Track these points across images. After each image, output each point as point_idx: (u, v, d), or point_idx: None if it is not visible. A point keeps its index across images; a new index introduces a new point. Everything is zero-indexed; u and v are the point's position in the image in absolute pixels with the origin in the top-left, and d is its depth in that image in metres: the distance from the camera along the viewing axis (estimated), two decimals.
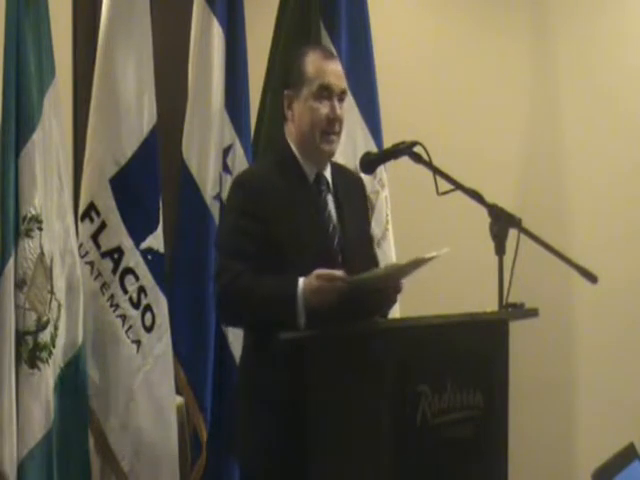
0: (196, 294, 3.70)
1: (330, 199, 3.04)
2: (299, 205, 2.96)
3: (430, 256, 2.78)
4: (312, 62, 3.00)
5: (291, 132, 3.03)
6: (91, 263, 3.44)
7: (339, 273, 2.79)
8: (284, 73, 3.17)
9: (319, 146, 2.98)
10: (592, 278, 2.94)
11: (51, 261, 3.16)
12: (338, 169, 3.15)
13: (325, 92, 2.98)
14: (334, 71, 3.01)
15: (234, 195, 3.02)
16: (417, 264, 2.80)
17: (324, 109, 2.97)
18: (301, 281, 2.79)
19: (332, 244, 2.98)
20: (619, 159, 4.42)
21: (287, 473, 2.83)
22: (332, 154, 3.05)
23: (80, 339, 3.29)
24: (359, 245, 3.08)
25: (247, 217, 2.91)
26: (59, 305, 3.19)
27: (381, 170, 3.89)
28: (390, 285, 2.95)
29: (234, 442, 3.07)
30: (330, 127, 2.98)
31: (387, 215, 4.01)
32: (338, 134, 3.01)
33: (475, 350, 2.82)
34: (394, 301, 3.09)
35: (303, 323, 2.78)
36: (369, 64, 4.03)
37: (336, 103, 2.98)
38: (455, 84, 4.61)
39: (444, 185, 2.93)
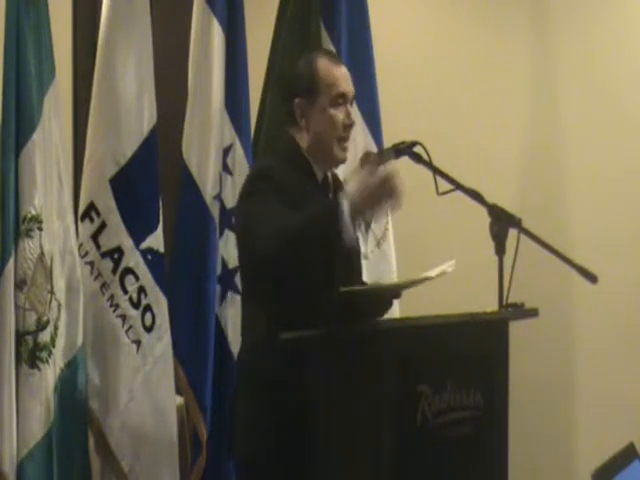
0: (196, 294, 3.70)
1: None
2: (312, 201, 2.95)
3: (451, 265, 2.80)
4: (324, 70, 3.00)
5: (303, 138, 3.00)
6: (91, 263, 3.44)
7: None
8: (292, 81, 3.11)
9: (334, 153, 3.00)
10: (592, 278, 2.94)
11: (51, 261, 3.16)
12: (332, 175, 3.15)
13: (341, 99, 3.00)
14: (346, 77, 3.04)
15: (255, 183, 2.93)
16: (441, 274, 2.79)
17: (340, 115, 2.99)
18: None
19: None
20: (620, 159, 4.42)
21: (287, 473, 2.83)
22: (344, 161, 3.06)
23: (80, 339, 3.29)
24: (357, 247, 3.11)
25: (273, 197, 2.83)
26: (59, 305, 3.19)
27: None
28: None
29: (234, 441, 3.06)
30: (346, 132, 3.01)
31: (387, 215, 4.00)
32: (349, 140, 3.03)
33: (475, 350, 2.82)
34: (391, 305, 3.12)
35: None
36: (369, 64, 4.03)
37: (349, 108, 3.01)
38: (455, 84, 4.62)
39: (444, 185, 2.93)
